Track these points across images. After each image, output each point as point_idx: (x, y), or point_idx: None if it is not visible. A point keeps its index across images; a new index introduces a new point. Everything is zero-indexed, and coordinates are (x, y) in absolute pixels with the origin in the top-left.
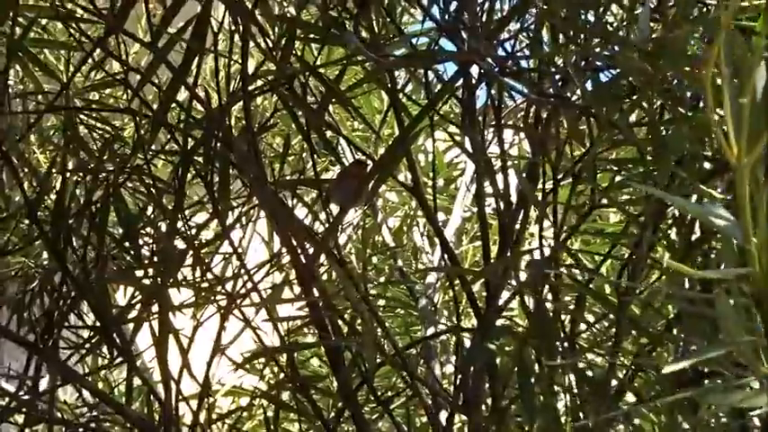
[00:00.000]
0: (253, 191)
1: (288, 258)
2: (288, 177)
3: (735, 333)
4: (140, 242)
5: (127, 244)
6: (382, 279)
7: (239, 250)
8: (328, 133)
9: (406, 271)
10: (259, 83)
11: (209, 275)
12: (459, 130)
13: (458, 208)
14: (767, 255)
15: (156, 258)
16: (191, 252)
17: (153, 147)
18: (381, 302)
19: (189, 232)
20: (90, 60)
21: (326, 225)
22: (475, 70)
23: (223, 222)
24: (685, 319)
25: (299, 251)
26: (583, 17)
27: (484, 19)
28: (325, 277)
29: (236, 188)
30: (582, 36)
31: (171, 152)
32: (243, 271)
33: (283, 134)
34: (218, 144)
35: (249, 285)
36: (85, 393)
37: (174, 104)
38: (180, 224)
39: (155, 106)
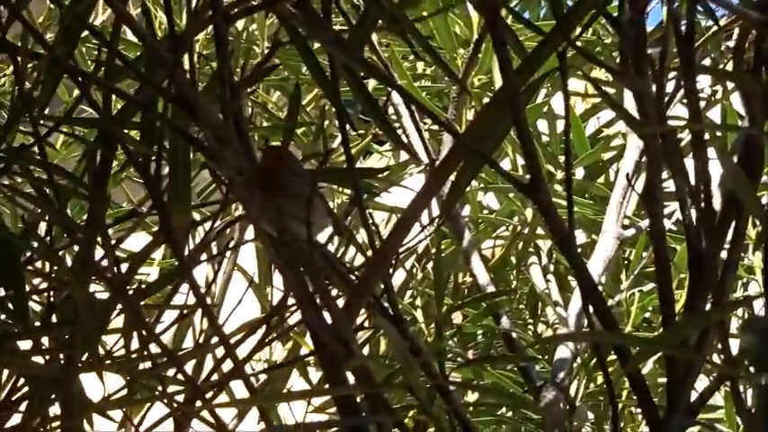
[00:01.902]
0: (233, 192)
1: (297, 316)
2: None
3: None
4: (27, 288)
5: (3, 292)
6: (473, 353)
7: (209, 301)
8: (371, 84)
9: (516, 338)
10: None
11: (153, 349)
12: (613, 76)
13: (611, 221)
14: None
15: (55, 318)
16: (120, 306)
17: (47, 112)
18: (472, 396)
19: (116, 269)
20: None
21: (369, 254)
22: None
23: (179, 252)
24: None
25: (319, 303)
26: None
27: None
28: (366, 351)
29: (202, 186)
30: None
31: (81, 121)
32: (215, 340)
33: (288, 86)
34: (169, 106)
35: (227, 366)
36: None
37: (85, 34)
38: (100, 254)
39: (49, 38)
